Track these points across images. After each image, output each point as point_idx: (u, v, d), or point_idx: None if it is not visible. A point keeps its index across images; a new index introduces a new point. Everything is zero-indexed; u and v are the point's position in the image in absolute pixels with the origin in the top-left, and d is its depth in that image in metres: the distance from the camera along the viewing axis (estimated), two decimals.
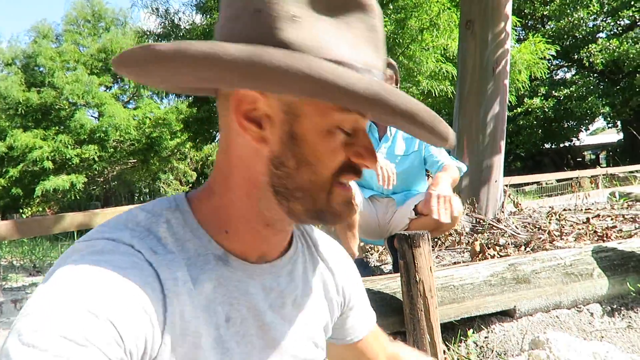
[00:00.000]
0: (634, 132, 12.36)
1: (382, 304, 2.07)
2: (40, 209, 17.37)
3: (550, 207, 5.68)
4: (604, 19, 15.46)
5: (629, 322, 2.23)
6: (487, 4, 3.82)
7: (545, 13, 15.73)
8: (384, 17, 7.09)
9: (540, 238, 3.40)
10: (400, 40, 7.08)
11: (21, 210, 16.96)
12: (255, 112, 0.56)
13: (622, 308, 2.34)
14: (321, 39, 0.53)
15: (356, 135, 0.59)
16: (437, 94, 7.47)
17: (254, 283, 0.63)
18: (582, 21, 14.68)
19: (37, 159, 15.14)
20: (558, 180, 9.89)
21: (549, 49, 7.38)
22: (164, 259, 0.55)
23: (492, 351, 2.13)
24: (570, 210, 5.15)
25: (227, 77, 0.50)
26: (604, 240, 3.16)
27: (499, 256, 2.95)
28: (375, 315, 0.88)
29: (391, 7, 7.00)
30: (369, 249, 3.48)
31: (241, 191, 0.60)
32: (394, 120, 0.54)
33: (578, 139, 18.32)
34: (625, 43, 13.02)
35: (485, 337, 2.22)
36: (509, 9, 3.88)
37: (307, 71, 0.47)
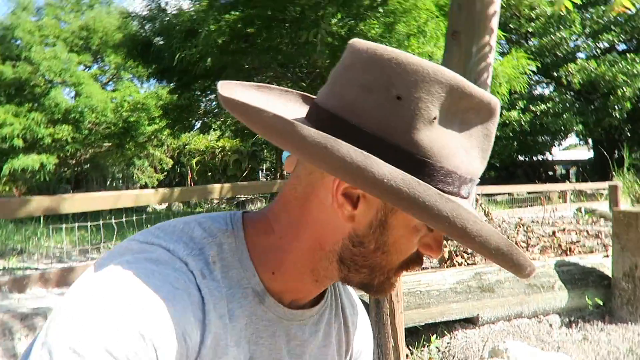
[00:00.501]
0: (604, 151, 12.79)
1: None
2: (7, 189, 16.79)
3: (519, 218, 5.83)
4: (585, 40, 15.93)
5: (585, 334, 2.32)
6: (475, 17, 3.90)
7: (529, 30, 16.11)
8: (373, 20, 7.10)
9: None
10: (387, 44, 7.11)
11: None
12: (355, 191, 0.55)
13: (580, 320, 2.44)
14: (447, 148, 0.53)
15: (432, 230, 0.59)
16: None
17: (281, 327, 0.63)
18: (563, 40, 15.09)
19: (7, 136, 14.60)
20: (529, 193, 10.14)
21: (529, 64, 7.55)
22: (210, 285, 0.55)
23: (454, 357, 2.18)
24: (537, 222, 5.30)
25: (366, 189, 0.50)
26: (567, 254, 3.26)
27: (466, 264, 3.02)
28: None
29: (381, 10, 7.04)
30: None
31: (306, 246, 0.60)
32: (485, 254, 0.54)
33: (551, 154, 18.84)
34: (602, 65, 13.44)
35: (448, 343, 2.28)
36: (495, 23, 3.96)
37: (450, 217, 0.48)
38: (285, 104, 0.66)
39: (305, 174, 0.59)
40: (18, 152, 15.06)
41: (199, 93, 11.02)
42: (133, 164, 19.39)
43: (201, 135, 18.79)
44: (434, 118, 0.52)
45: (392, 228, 0.56)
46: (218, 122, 13.08)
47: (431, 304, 2.29)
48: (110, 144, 17.78)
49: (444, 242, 3.81)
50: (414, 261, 0.61)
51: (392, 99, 0.52)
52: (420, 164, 0.52)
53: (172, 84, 10.81)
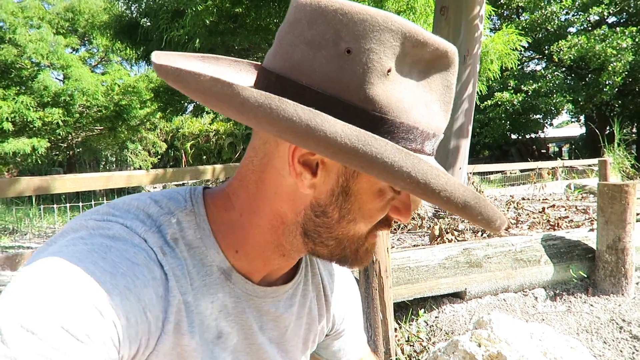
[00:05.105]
0: (594, 128, 12.86)
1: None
2: None
3: (510, 195, 5.89)
4: (575, 14, 15.81)
5: (569, 307, 2.38)
6: None
7: (520, 4, 15.96)
8: None
9: None
10: None
11: None
12: (313, 157, 0.52)
13: (564, 293, 2.49)
14: (405, 101, 0.50)
15: (399, 192, 0.57)
16: None
17: (252, 304, 0.61)
18: (554, 15, 14.97)
19: None
20: (521, 171, 10.22)
21: (520, 40, 7.51)
22: (172, 262, 0.53)
23: (441, 330, 2.23)
24: (528, 199, 5.35)
25: (319, 150, 0.46)
26: (554, 229, 3.32)
27: (456, 241, 3.07)
28: (365, 340, 0.89)
29: None
30: None
31: (266, 220, 0.57)
32: (451, 209, 0.51)
33: (543, 132, 18.91)
34: (592, 39, 13.39)
35: (436, 317, 2.33)
36: None
37: (412, 173, 0.45)
38: (235, 73, 0.62)
39: (260, 145, 0.56)
40: (8, 136, 14.89)
41: None
42: (126, 147, 19.28)
43: (194, 118, 18.67)
44: (389, 70, 0.49)
45: (355, 194, 0.53)
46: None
47: (420, 280, 2.33)
48: (102, 127, 17.62)
49: (436, 220, 3.87)
50: (382, 224, 0.58)
51: (342, 54, 0.48)
52: (377, 121, 0.49)
53: None
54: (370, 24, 0.48)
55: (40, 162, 16.59)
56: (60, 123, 15.90)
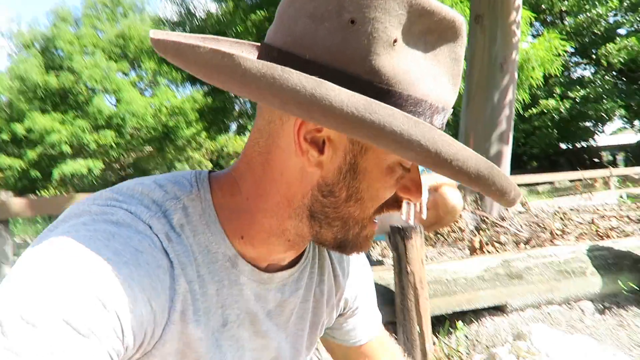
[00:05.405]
0: None
1: (375, 294, 2.12)
2: (58, 193, 17.70)
3: (558, 207, 5.65)
4: (624, 15, 15.09)
5: (620, 321, 2.25)
6: None
7: (563, 8, 15.43)
8: None
9: (540, 237, 3.41)
10: None
11: (38, 193, 17.33)
12: (319, 134, 0.51)
13: (614, 306, 2.36)
14: (412, 73, 0.48)
15: (409, 169, 0.55)
16: None
17: (258, 290, 0.60)
18: (601, 17, 14.37)
19: (56, 143, 15.43)
20: (571, 181, 9.77)
21: (564, 45, 7.26)
22: (177, 249, 0.52)
23: (481, 344, 2.17)
24: (577, 210, 5.12)
25: (324, 121, 0.43)
26: (603, 240, 3.16)
27: (497, 253, 2.98)
28: (380, 321, 0.86)
29: None
30: (372, 243, 3.52)
31: (273, 204, 0.55)
32: (465, 181, 0.48)
33: (595, 140, 18.03)
34: None
35: (476, 331, 2.27)
36: (519, 3, 3.85)
37: (422, 142, 0.43)
38: (237, 51, 0.60)
39: (264, 125, 0.54)
40: (66, 158, 15.86)
41: (233, 95, 11.27)
42: (174, 167, 20.01)
43: (238, 137, 19.16)
44: (395, 40, 0.47)
45: (363, 171, 0.52)
46: (253, 123, 13.32)
47: (458, 292, 2.28)
48: (151, 148, 18.42)
49: (477, 233, 3.77)
50: (390, 205, 0.56)
51: (345, 24, 0.47)
52: (384, 94, 0.47)
53: (205, 88, 11.08)
54: None
55: (95, 183, 17.48)
56: (113, 145, 16.79)
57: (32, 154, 15.93)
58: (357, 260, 0.78)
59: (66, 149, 15.64)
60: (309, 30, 0.48)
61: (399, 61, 0.47)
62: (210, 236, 0.55)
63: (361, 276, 0.79)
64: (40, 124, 15.38)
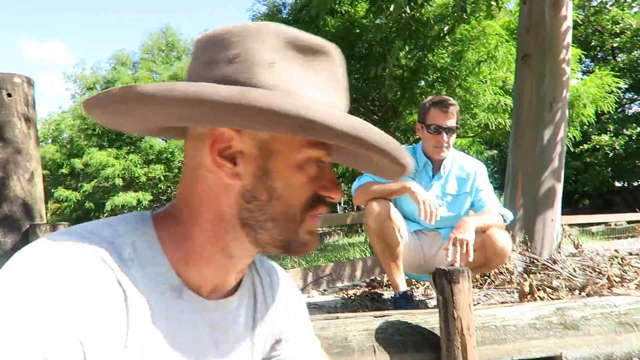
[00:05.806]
0: None
1: (419, 338, 2.05)
2: None
3: (615, 250, 5.32)
4: None
5: None
6: (545, 38, 3.76)
7: (615, 45, 15.01)
8: (441, 50, 7.05)
9: (597, 283, 3.20)
10: (457, 72, 7.04)
11: None
12: (230, 149, 0.59)
13: None
14: (293, 82, 0.57)
15: (323, 170, 0.63)
16: (494, 127, 7.30)
17: (203, 319, 0.63)
18: None
19: (109, 176, 16.32)
20: (628, 222, 9.19)
21: (617, 82, 7.02)
22: (128, 283, 0.55)
23: None
24: (636, 255, 4.80)
25: (214, 116, 0.52)
26: None
27: (549, 299, 2.83)
28: (319, 346, 0.87)
29: (448, 39, 7.01)
30: (415, 283, 3.44)
31: (207, 224, 0.61)
32: (363, 151, 0.57)
33: None
34: None
35: None
36: (568, 41, 3.78)
37: (298, 110, 0.50)
38: None
39: (189, 160, 0.63)
40: (118, 190, 16.70)
41: None
42: None
43: None
44: (273, 62, 0.57)
45: (275, 172, 0.59)
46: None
47: (507, 340, 2.17)
48: None
49: (527, 275, 3.59)
50: (317, 203, 0.63)
51: (230, 61, 0.57)
52: None
53: None
54: (248, 31, 0.58)
55: None
56: (162, 178, 17.53)
57: (87, 187, 16.88)
58: (288, 289, 0.81)
59: (119, 182, 16.48)
60: (207, 72, 0.58)
61: (279, 76, 0.57)
62: (157, 268, 0.59)
63: (293, 304, 0.81)
64: (96, 158, 16.36)
